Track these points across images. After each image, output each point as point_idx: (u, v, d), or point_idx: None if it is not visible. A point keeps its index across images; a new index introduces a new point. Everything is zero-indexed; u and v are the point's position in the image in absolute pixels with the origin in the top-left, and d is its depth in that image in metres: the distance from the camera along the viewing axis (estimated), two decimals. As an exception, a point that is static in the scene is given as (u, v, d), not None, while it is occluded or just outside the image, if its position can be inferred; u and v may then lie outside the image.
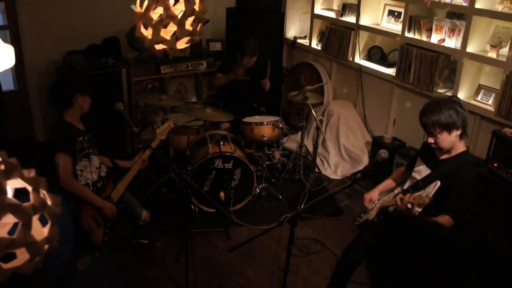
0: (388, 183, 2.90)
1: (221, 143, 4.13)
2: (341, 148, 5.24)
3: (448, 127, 2.42)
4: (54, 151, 3.05)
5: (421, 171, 2.64)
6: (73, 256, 3.30)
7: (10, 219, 0.96)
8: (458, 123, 2.42)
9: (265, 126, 4.39)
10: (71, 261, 3.30)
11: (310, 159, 4.92)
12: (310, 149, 4.96)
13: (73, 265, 3.27)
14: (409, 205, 2.24)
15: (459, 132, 2.45)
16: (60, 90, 3.17)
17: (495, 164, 3.27)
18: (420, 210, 2.21)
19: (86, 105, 3.20)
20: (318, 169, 4.94)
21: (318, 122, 4.45)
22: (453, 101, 2.45)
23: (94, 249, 3.22)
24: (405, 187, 2.71)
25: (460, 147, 2.52)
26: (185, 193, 3.84)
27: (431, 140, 2.51)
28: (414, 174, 2.67)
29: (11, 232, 0.99)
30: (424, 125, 2.49)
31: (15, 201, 0.95)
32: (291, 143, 5.58)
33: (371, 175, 4.61)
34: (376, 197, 2.77)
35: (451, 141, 2.47)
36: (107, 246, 3.68)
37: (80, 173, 3.16)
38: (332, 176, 5.05)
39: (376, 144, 4.87)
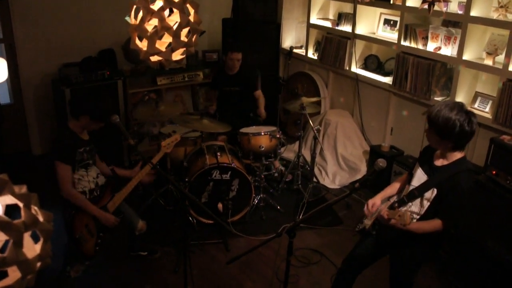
0: (392, 188, 2.89)
1: (218, 154, 4.10)
2: (339, 157, 5.23)
3: (440, 134, 2.41)
4: (54, 158, 3.07)
5: (417, 176, 2.63)
6: (65, 264, 3.26)
7: (0, 237, 0.94)
8: (452, 135, 2.37)
9: (262, 136, 4.37)
10: (62, 272, 3.26)
11: (308, 168, 4.90)
12: (308, 158, 4.94)
13: (65, 274, 3.23)
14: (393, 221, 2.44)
15: (450, 144, 2.43)
16: (73, 102, 3.20)
17: (494, 172, 3.26)
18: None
19: (92, 127, 3.20)
20: (316, 178, 4.92)
21: (316, 131, 4.44)
22: (466, 117, 2.34)
23: (85, 257, 3.20)
24: (402, 195, 2.70)
25: (457, 154, 2.51)
26: (183, 205, 3.81)
27: (426, 128, 2.52)
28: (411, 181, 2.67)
29: (2, 250, 0.96)
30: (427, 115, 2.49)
31: (5, 218, 0.93)
32: (288, 153, 5.56)
33: (370, 184, 4.60)
34: (378, 202, 2.77)
35: (439, 145, 2.49)
36: (103, 258, 3.65)
37: (77, 181, 3.18)
38: (330, 186, 5.03)
39: (374, 153, 4.85)
